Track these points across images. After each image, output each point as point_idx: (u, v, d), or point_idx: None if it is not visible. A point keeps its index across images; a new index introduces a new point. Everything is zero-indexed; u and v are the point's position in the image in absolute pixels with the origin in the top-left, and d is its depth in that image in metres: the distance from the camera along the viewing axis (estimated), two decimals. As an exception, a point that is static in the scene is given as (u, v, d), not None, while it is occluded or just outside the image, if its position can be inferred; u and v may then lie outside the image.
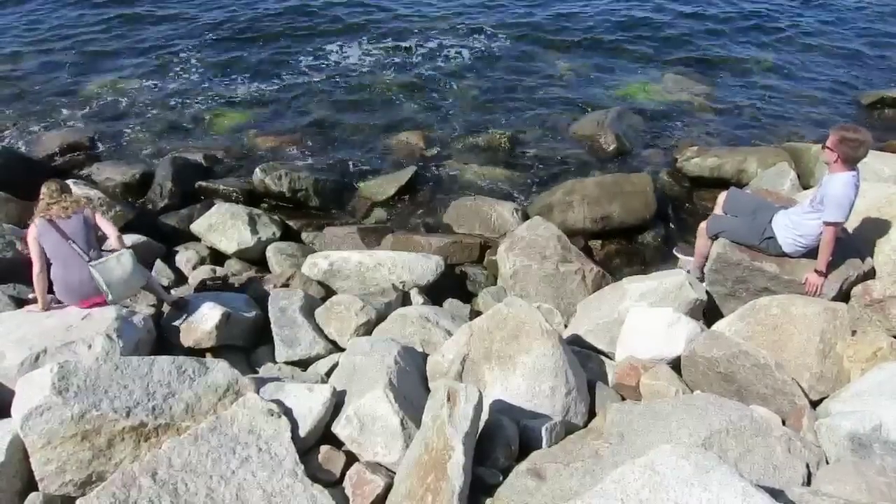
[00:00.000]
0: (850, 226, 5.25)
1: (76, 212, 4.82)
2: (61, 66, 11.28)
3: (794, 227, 4.87)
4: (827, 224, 4.61)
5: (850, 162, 4.54)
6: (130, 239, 6.41)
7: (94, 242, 4.90)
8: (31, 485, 3.44)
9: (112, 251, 4.86)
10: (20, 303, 5.21)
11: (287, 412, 3.65)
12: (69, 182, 5.02)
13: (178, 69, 11.23)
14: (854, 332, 4.40)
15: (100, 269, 4.69)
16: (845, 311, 4.49)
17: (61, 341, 4.37)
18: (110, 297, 4.74)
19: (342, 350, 4.90)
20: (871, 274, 4.94)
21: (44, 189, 4.89)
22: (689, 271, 5.46)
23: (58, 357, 4.21)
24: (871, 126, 9.46)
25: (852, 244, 5.10)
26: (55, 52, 11.84)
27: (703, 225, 5.38)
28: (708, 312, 5.14)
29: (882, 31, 13.57)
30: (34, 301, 4.89)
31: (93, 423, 3.42)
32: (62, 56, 11.67)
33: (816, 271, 4.77)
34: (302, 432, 3.60)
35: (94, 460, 3.42)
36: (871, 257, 5.06)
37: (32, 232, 4.75)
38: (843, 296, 4.83)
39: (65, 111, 9.86)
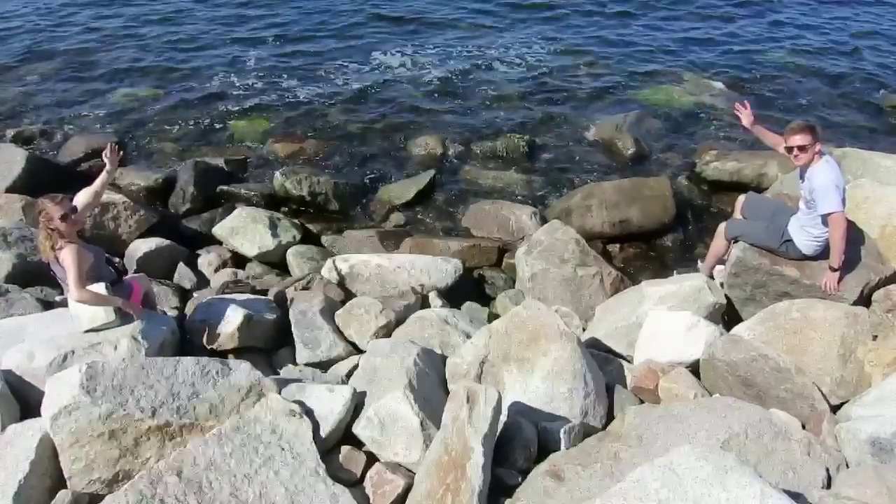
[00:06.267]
0: (872, 231, 5.22)
1: (55, 257, 4.40)
2: (88, 73, 11.48)
3: (806, 228, 4.84)
4: (826, 216, 4.57)
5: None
6: (154, 242, 6.54)
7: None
8: (60, 482, 3.52)
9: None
10: (48, 305, 5.32)
11: (308, 413, 3.70)
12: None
13: (200, 76, 11.39)
14: (875, 337, 4.37)
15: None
16: (866, 315, 4.47)
17: (88, 342, 4.43)
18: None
19: (362, 352, 4.95)
20: (892, 278, 4.91)
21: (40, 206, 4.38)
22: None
23: (85, 358, 4.26)
24: (892, 130, 9.44)
25: (873, 248, 5.07)
26: (82, 58, 12.06)
27: (721, 226, 5.35)
28: (727, 317, 5.13)
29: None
30: (62, 304, 4.95)
31: (120, 422, 3.49)
32: (88, 62, 11.88)
33: (830, 267, 4.72)
34: (323, 432, 3.65)
35: (122, 459, 3.50)
36: (893, 261, 5.03)
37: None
38: (865, 300, 4.80)
39: (90, 117, 10.02)
